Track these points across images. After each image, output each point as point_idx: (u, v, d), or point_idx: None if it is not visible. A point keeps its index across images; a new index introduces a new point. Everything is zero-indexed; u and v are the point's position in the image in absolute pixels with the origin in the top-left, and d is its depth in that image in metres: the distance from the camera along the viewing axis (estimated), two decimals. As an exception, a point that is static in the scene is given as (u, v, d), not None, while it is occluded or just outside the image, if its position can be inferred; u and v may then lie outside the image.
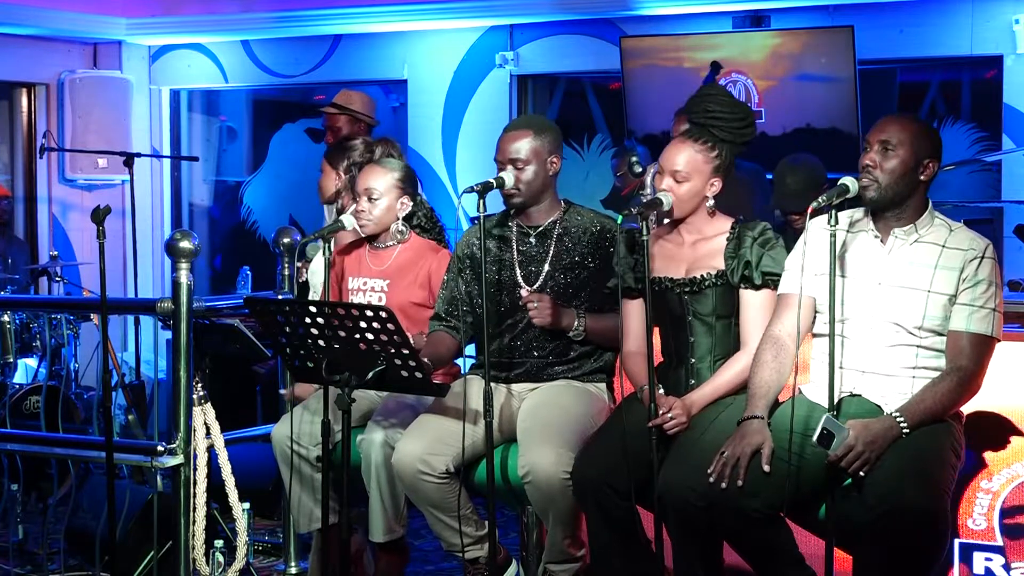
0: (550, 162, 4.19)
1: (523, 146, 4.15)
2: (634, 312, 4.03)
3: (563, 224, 4.24)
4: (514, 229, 4.28)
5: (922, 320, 3.64)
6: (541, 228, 4.25)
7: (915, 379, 3.66)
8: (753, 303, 3.90)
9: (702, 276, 3.93)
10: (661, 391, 3.89)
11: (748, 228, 3.93)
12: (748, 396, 3.73)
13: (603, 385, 4.27)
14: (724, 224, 3.98)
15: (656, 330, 4.06)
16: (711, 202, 3.95)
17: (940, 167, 3.74)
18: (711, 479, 3.55)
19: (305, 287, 4.81)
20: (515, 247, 4.26)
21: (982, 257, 3.65)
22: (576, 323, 4.13)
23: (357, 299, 4.52)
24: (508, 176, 4.13)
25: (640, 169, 5.88)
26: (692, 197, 3.93)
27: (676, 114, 5.74)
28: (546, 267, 4.21)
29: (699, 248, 3.97)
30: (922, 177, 3.67)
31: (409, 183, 4.54)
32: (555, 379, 4.22)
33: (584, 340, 4.18)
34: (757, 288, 3.89)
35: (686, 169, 3.92)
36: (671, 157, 3.96)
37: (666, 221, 4.07)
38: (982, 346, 3.63)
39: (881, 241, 3.73)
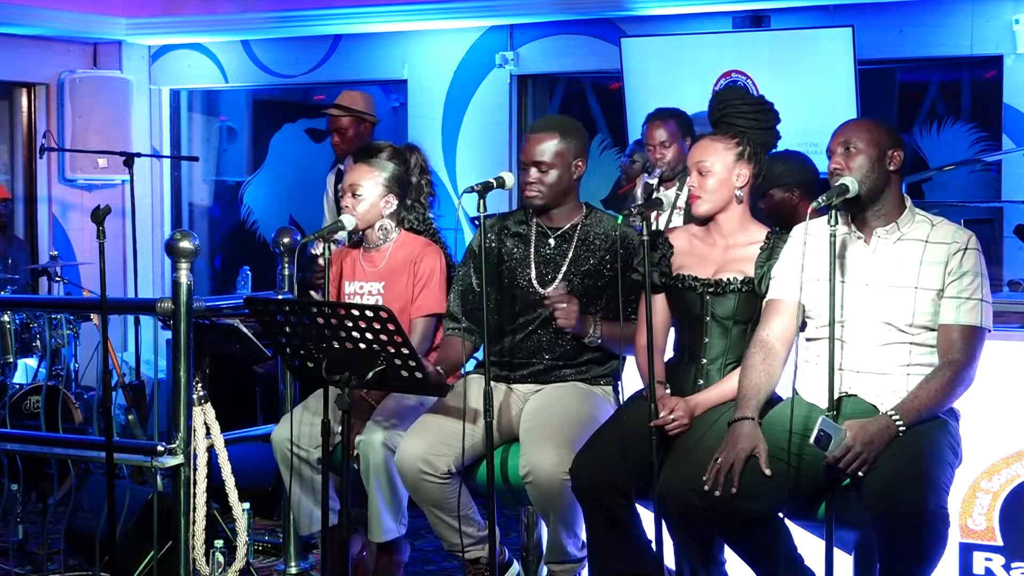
0: (575, 165, 4.17)
1: (548, 148, 4.14)
2: (654, 306, 4.01)
3: (584, 229, 4.22)
4: (534, 228, 4.27)
5: (912, 317, 3.65)
6: (561, 231, 4.24)
7: (909, 376, 3.66)
8: None
9: (728, 279, 3.93)
10: (667, 391, 3.89)
11: (783, 240, 3.93)
12: (738, 399, 3.73)
13: (609, 388, 4.27)
14: (759, 233, 3.98)
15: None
16: (739, 192, 3.94)
17: (907, 157, 3.76)
18: (706, 487, 3.55)
19: (305, 286, 4.79)
20: (533, 247, 4.25)
21: (965, 248, 3.66)
22: (593, 330, 4.12)
23: (355, 303, 4.51)
24: (508, 177, 4.12)
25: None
26: (720, 187, 3.93)
27: (647, 120, 5.75)
28: (563, 270, 4.20)
29: (730, 252, 3.97)
30: (891, 167, 3.70)
31: (396, 183, 4.54)
32: (563, 381, 4.21)
33: (598, 347, 4.17)
34: None
35: (708, 159, 3.93)
36: (694, 154, 3.99)
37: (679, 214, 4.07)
38: (973, 338, 3.63)
39: (864, 242, 3.74)
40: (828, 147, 3.74)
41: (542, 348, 4.22)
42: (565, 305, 4.05)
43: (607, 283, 4.17)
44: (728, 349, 3.94)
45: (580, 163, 4.18)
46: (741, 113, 3.98)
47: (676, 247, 4.01)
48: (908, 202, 3.76)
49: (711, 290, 3.94)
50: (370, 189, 4.49)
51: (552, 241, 4.23)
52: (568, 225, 4.23)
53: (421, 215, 4.76)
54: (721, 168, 3.93)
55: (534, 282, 4.22)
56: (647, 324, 3.77)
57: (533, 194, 4.16)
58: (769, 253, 3.91)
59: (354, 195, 4.49)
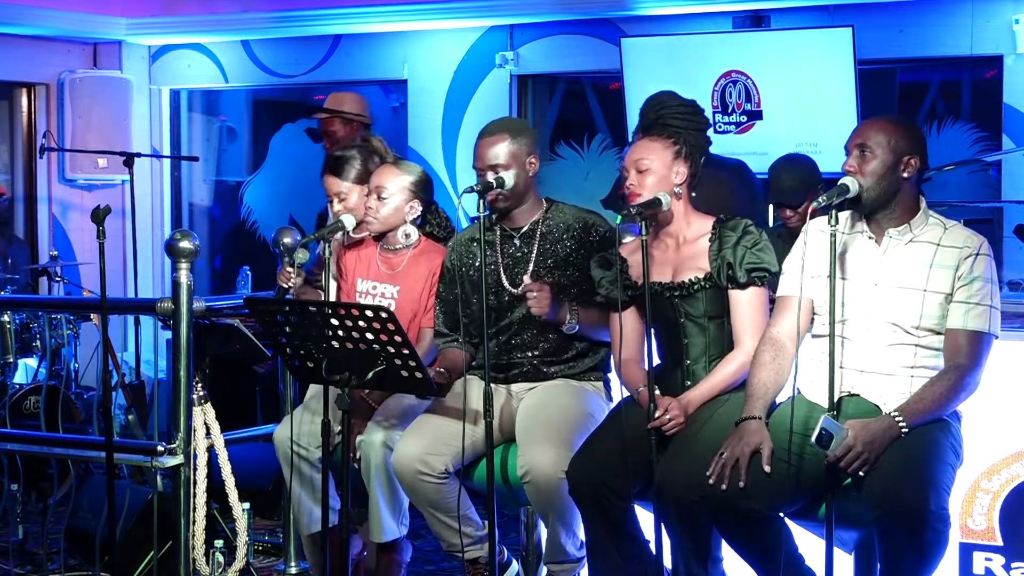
0: (529, 163, 4.19)
1: (501, 151, 4.15)
2: (625, 321, 4.02)
3: (546, 224, 4.24)
4: (497, 232, 4.28)
5: (919, 319, 3.65)
6: (524, 229, 4.25)
7: (913, 378, 3.66)
8: (742, 302, 3.91)
9: (691, 280, 3.94)
10: (656, 392, 3.89)
11: (728, 228, 3.94)
12: (746, 397, 3.74)
13: (600, 384, 4.28)
14: (705, 224, 3.99)
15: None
16: (678, 189, 3.96)
17: (926, 162, 3.74)
18: (711, 481, 3.55)
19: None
20: (499, 250, 4.26)
21: (977, 254, 3.65)
22: (569, 317, 4.13)
23: (365, 302, 4.50)
24: (508, 177, 4.13)
25: None
26: (659, 184, 3.94)
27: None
28: (530, 267, 4.21)
29: (683, 251, 3.98)
30: (904, 174, 3.68)
31: (422, 189, 4.52)
32: (552, 378, 4.22)
33: (577, 335, 4.18)
34: (743, 287, 3.89)
35: (646, 158, 3.95)
36: (631, 154, 4.01)
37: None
38: (980, 343, 3.63)
39: (876, 242, 3.73)
40: (846, 144, 3.73)
41: (526, 346, 4.23)
42: (536, 293, 4.05)
43: (575, 273, 4.18)
44: (709, 346, 3.96)
45: (534, 160, 4.21)
46: (677, 114, 4.03)
47: (631, 259, 4.02)
48: (923, 204, 3.75)
49: (677, 292, 3.95)
50: (396, 193, 4.46)
51: (517, 241, 4.25)
52: (529, 223, 4.25)
53: (443, 222, 4.75)
54: (660, 165, 3.95)
55: (505, 284, 4.22)
56: (648, 337, 3.78)
57: (495, 197, 4.16)
58: (719, 244, 3.92)
59: (379, 197, 4.46)
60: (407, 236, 4.51)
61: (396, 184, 4.46)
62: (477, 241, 4.25)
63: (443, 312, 4.33)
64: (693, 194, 4.04)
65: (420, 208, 4.51)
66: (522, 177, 4.18)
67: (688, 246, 3.98)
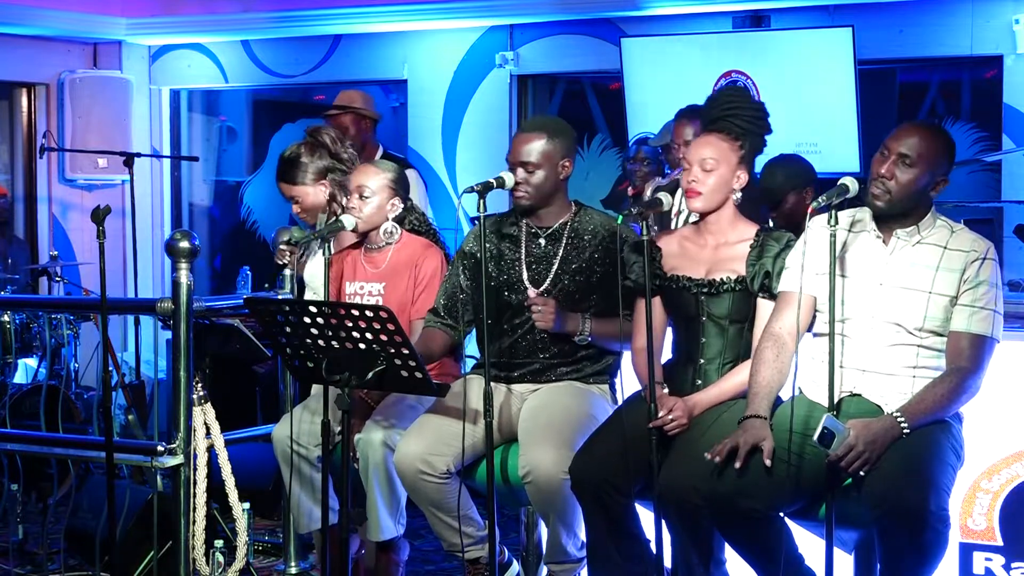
0: (562, 166, 4.17)
1: (535, 148, 4.13)
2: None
3: (574, 226, 4.23)
4: (523, 229, 4.27)
5: (923, 321, 3.65)
6: (551, 230, 4.24)
7: (915, 379, 3.66)
8: (768, 311, 3.88)
9: (721, 279, 3.92)
10: (666, 391, 3.89)
11: (772, 237, 3.92)
12: (749, 395, 3.73)
13: (606, 387, 4.27)
14: (749, 230, 3.97)
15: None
16: (738, 195, 3.93)
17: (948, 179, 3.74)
18: (707, 457, 3.54)
19: (300, 282, 4.77)
20: (524, 247, 4.25)
21: (983, 259, 3.65)
22: (581, 327, 4.12)
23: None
24: (508, 177, 4.13)
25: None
26: (721, 186, 3.91)
27: (677, 116, 5.73)
28: (554, 269, 4.20)
29: (721, 251, 3.97)
30: (932, 193, 3.69)
31: (401, 186, 4.55)
32: (559, 379, 4.21)
33: (588, 344, 4.17)
34: (775, 297, 3.87)
35: (714, 157, 3.90)
36: (698, 149, 3.95)
37: (693, 219, 4.07)
38: (982, 347, 3.63)
39: (883, 242, 3.73)
40: (886, 140, 3.68)
41: (538, 348, 4.22)
42: (541, 308, 4.05)
43: (599, 280, 4.18)
44: (725, 348, 3.94)
45: (567, 163, 4.18)
46: (745, 117, 3.97)
47: (666, 250, 4.01)
48: (932, 207, 3.73)
49: (705, 290, 3.93)
50: (377, 191, 4.48)
51: (542, 241, 4.24)
52: (557, 224, 4.24)
53: (420, 218, 4.76)
54: (725, 169, 3.91)
55: (526, 282, 4.22)
56: (647, 326, 3.77)
57: (520, 194, 4.16)
58: (760, 251, 3.90)
59: (361, 196, 4.48)
60: (389, 233, 4.53)
61: (377, 183, 4.49)
62: (502, 236, 4.25)
63: (444, 294, 4.32)
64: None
65: (401, 205, 4.52)
66: (551, 179, 4.16)
67: (727, 247, 3.96)
